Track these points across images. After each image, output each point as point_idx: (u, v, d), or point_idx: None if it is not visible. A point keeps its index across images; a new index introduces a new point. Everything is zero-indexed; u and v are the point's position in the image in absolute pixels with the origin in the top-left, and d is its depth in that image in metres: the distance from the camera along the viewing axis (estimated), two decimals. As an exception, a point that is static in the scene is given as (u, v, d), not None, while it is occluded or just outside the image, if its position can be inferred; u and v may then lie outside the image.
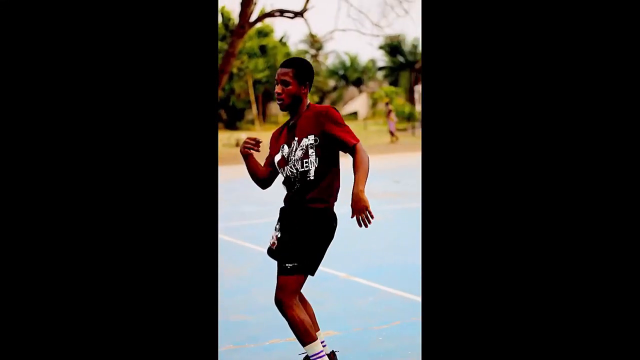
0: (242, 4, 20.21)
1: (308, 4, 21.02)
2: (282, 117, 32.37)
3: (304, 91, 3.23)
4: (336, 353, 3.49)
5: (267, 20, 36.43)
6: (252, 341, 4.03)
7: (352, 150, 3.15)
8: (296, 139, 3.23)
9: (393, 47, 42.36)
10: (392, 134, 24.29)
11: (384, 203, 9.27)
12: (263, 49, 39.11)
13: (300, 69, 3.23)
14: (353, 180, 3.06)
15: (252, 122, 39.70)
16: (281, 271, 3.20)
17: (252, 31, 33.82)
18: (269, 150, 3.42)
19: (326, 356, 3.28)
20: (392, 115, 24.60)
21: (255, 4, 20.68)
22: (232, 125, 38.40)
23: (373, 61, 48.36)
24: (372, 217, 3.02)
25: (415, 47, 42.26)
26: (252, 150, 3.29)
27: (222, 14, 36.98)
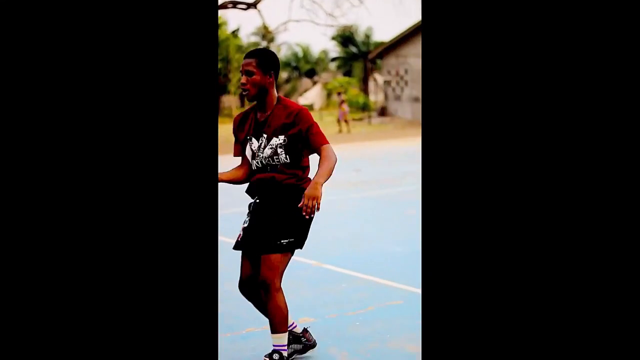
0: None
1: (261, -5, 20.93)
2: (235, 110, 32.18)
3: (269, 80, 3.21)
4: (308, 329, 3.53)
5: (220, 12, 36.22)
6: (228, 330, 4.00)
7: (319, 150, 3.16)
8: (265, 136, 3.24)
9: (345, 38, 42.42)
10: (339, 122, 24.17)
11: (347, 192, 9.29)
12: (215, 42, 38.69)
13: (263, 58, 3.21)
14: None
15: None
16: (274, 249, 3.18)
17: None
18: (234, 135, 3.42)
19: (291, 335, 3.34)
20: (344, 105, 24.62)
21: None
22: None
23: (325, 52, 48.37)
24: (317, 209, 2.99)
25: (368, 37, 42.35)
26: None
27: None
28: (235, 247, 3.34)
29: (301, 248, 3.26)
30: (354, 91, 34.84)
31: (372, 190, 9.64)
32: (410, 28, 25.43)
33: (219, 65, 37.41)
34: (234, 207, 8.79)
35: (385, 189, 9.79)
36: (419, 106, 25.53)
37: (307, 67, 47.77)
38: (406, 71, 25.77)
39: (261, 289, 3.20)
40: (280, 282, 3.20)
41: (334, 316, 4.19)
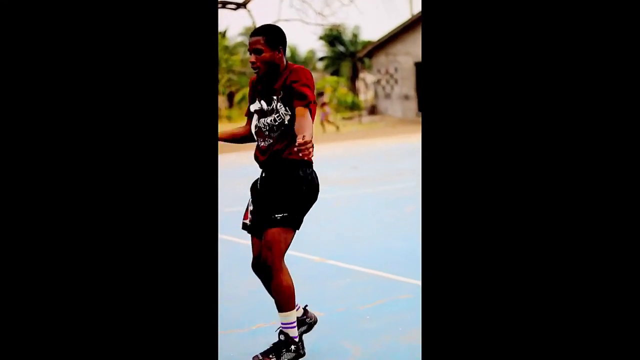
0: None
1: (251, -5, 20.86)
2: (224, 111, 32.07)
3: (278, 56, 3.18)
4: (307, 307, 3.50)
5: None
6: (237, 327, 3.96)
7: (302, 107, 3.07)
8: (272, 99, 3.22)
9: (333, 37, 42.40)
10: (322, 123, 24.02)
11: (345, 189, 9.26)
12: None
13: (271, 35, 3.18)
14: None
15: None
16: (270, 223, 3.15)
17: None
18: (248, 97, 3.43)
19: (296, 328, 3.28)
20: (326, 107, 24.49)
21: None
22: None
23: (312, 52, 48.32)
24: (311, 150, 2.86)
25: (355, 36, 42.36)
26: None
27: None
28: (243, 227, 3.34)
29: (297, 228, 3.20)
30: (343, 90, 34.83)
31: (370, 187, 9.62)
32: (399, 26, 25.44)
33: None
34: (233, 206, 8.76)
35: (382, 185, 9.76)
36: (409, 104, 25.56)
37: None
38: (396, 69, 25.77)
39: (265, 270, 3.18)
40: (284, 261, 3.17)
41: (342, 310, 4.16)
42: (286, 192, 3.16)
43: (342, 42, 42.88)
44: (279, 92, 3.19)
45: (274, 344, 3.27)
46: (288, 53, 48.22)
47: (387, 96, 26.44)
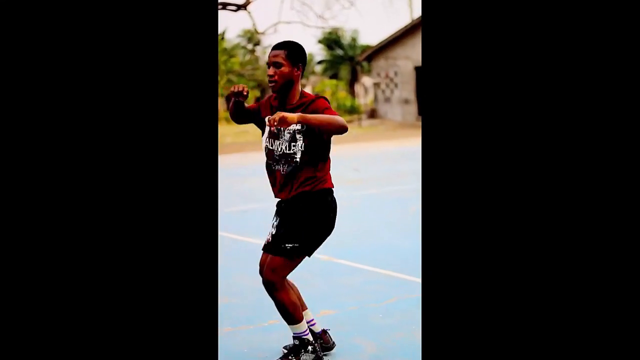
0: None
1: (252, -4, 20.83)
2: (223, 112, 32.03)
3: (296, 73, 3.15)
4: (328, 331, 3.47)
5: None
6: (249, 323, 3.96)
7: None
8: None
9: (332, 41, 42.45)
10: None
11: (348, 190, 9.25)
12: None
13: (293, 50, 3.15)
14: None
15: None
16: (277, 251, 3.16)
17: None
18: (258, 106, 3.36)
19: (310, 333, 3.26)
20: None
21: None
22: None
23: (311, 55, 48.35)
24: (278, 124, 2.86)
25: (354, 40, 42.41)
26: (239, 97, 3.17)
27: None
28: (264, 250, 3.32)
29: (309, 256, 3.20)
30: (342, 94, 34.83)
31: (373, 188, 9.63)
32: (399, 30, 25.48)
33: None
34: (234, 205, 8.76)
35: (385, 187, 9.77)
36: (409, 108, 25.59)
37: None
38: (396, 73, 25.81)
39: (266, 287, 3.19)
40: (285, 281, 3.20)
41: (355, 308, 4.16)
42: (302, 223, 3.15)
43: (341, 46, 42.94)
44: (296, 125, 3.10)
45: (290, 348, 3.30)
46: (286, 56, 47.99)
47: (387, 100, 26.47)
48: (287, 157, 3.14)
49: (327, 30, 37.80)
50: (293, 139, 3.13)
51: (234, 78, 32.96)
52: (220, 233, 6.69)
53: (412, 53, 25.02)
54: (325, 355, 3.37)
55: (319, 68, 48.16)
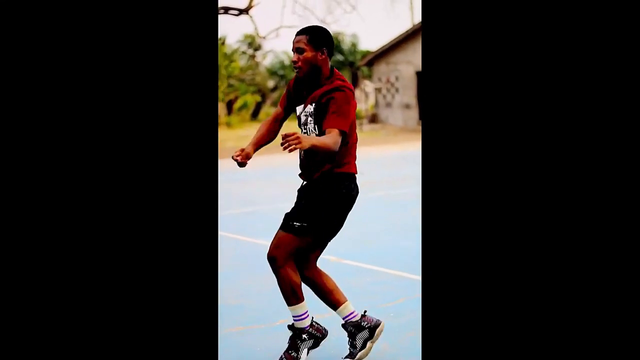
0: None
1: (253, 1, 20.88)
2: (224, 118, 32.03)
3: (321, 57, 3.11)
4: (366, 313, 3.43)
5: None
6: (260, 322, 3.95)
7: (325, 131, 3.01)
8: (306, 102, 3.18)
9: (332, 46, 42.39)
10: None
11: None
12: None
13: (315, 35, 3.12)
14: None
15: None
16: (285, 228, 3.15)
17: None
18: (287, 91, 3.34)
19: (309, 318, 3.26)
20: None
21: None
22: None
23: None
24: (294, 145, 2.77)
25: (354, 45, 42.48)
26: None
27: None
28: None
29: (321, 246, 3.20)
30: (343, 99, 34.74)
31: (377, 191, 9.63)
32: (401, 35, 25.51)
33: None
34: (240, 208, 8.75)
35: (389, 190, 9.78)
36: (409, 113, 25.59)
37: (293, 75, 47.78)
38: (397, 78, 25.83)
39: (270, 264, 3.17)
40: (289, 260, 3.15)
41: (365, 308, 4.14)
42: (312, 203, 3.14)
43: (341, 51, 43.01)
44: (311, 103, 3.12)
45: (288, 340, 3.28)
46: (287, 61, 48.25)
47: (388, 105, 26.48)
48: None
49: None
50: (306, 122, 3.17)
51: (234, 82, 32.98)
52: (227, 235, 6.69)
53: (414, 58, 25.04)
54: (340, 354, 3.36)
55: (319, 73, 48.19)
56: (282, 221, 3.20)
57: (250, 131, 27.64)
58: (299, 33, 3.15)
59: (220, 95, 31.54)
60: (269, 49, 44.42)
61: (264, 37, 22.62)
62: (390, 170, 12.72)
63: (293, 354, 3.21)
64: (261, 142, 3.33)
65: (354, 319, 3.34)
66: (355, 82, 40.12)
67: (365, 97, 37.65)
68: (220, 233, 6.74)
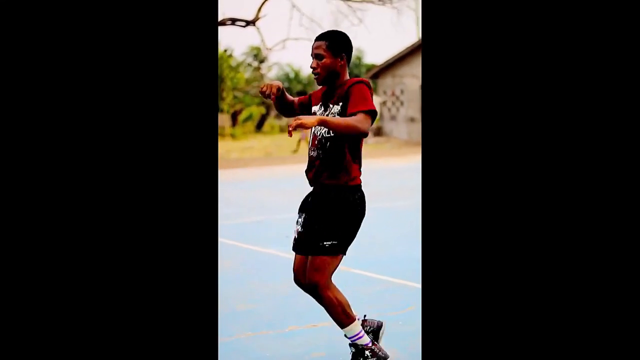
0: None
1: (260, 13, 20.95)
2: (228, 129, 32.09)
3: (340, 63, 3.09)
4: (365, 318, 3.43)
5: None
6: (270, 328, 3.96)
7: (353, 114, 2.95)
8: (329, 105, 3.14)
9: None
10: (299, 141, 23.45)
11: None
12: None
13: (334, 41, 3.09)
14: None
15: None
16: (316, 250, 3.10)
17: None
18: (309, 97, 3.32)
19: (366, 335, 3.22)
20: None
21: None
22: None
23: (315, 73, 48.43)
24: (294, 128, 2.77)
25: (359, 59, 42.60)
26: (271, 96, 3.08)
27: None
28: (293, 248, 3.30)
29: (344, 253, 3.16)
30: (347, 111, 34.80)
31: (384, 202, 9.64)
32: (407, 48, 25.59)
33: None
34: (248, 216, 8.76)
35: (395, 201, 9.79)
36: (414, 126, 25.62)
37: (298, 88, 47.94)
38: (402, 91, 25.89)
39: (310, 291, 3.14)
40: (331, 280, 3.14)
41: (375, 315, 4.15)
42: (336, 219, 3.09)
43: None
44: (337, 103, 3.08)
45: (351, 358, 3.23)
46: (292, 73, 48.23)
47: (393, 118, 26.52)
48: (324, 140, 3.10)
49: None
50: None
51: (239, 95, 33.04)
52: (234, 243, 6.71)
53: (419, 71, 25.08)
54: None
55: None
56: (304, 242, 3.18)
57: (254, 143, 27.66)
58: (318, 39, 3.12)
59: (225, 106, 31.62)
60: (274, 62, 44.53)
61: (270, 49, 22.59)
62: (398, 182, 12.75)
63: None
64: (286, 98, 3.26)
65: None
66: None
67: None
68: (231, 242, 6.78)
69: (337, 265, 3.16)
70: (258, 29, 21.30)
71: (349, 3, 20.84)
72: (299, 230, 3.22)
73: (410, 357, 3.45)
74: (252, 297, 4.69)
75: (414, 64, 25.31)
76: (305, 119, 2.79)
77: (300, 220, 3.24)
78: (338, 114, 3.07)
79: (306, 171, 3.23)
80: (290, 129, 2.76)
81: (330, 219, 3.11)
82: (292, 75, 47.92)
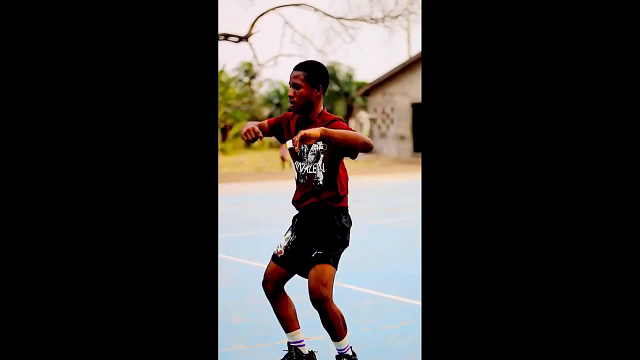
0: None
1: (253, 29, 21.05)
2: (220, 144, 32.11)
3: (316, 94, 3.20)
4: (315, 353, 3.49)
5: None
6: (264, 341, 3.99)
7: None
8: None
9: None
10: (283, 159, 23.63)
11: (353, 220, 9.30)
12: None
13: (312, 72, 3.20)
14: None
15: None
16: (325, 259, 3.20)
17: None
18: (279, 122, 3.40)
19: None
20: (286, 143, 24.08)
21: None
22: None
23: (308, 89, 48.38)
24: (300, 142, 2.93)
25: (350, 77, 42.76)
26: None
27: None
28: (273, 259, 3.39)
29: (335, 267, 3.28)
30: (338, 128, 34.84)
31: (376, 219, 9.70)
32: (398, 67, 25.75)
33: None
34: (241, 231, 8.79)
35: (388, 218, 9.85)
36: (404, 144, 25.74)
37: (289, 105, 47.92)
38: (392, 109, 26.02)
39: (316, 305, 3.20)
40: (331, 295, 3.23)
41: (368, 330, 4.20)
42: (324, 235, 3.24)
43: (337, 82, 43.28)
44: (320, 143, 3.17)
45: None
46: (282, 90, 48.22)
47: (383, 135, 26.64)
48: (311, 178, 3.22)
49: (326, 65, 37.86)
50: (316, 158, 3.20)
51: (229, 110, 33.10)
52: (228, 257, 6.74)
53: (409, 89, 25.25)
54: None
55: (314, 103, 48.32)
56: (299, 260, 3.29)
57: (244, 158, 27.70)
58: (296, 68, 3.23)
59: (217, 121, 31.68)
60: (265, 78, 44.63)
61: (262, 65, 22.66)
62: (388, 198, 12.81)
63: None
64: (264, 130, 3.38)
65: (301, 347, 3.44)
66: (350, 112, 40.32)
67: (360, 128, 37.78)
68: (226, 257, 6.81)
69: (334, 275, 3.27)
70: (251, 44, 21.39)
71: (342, 21, 20.98)
72: (288, 247, 3.34)
73: (404, 370, 3.49)
74: (246, 310, 4.73)
75: (404, 82, 25.46)
76: (309, 131, 2.93)
77: (290, 238, 3.35)
78: (322, 150, 3.19)
79: (294, 198, 3.34)
80: (295, 146, 2.88)
81: (326, 232, 3.25)
82: (282, 91, 48.02)
